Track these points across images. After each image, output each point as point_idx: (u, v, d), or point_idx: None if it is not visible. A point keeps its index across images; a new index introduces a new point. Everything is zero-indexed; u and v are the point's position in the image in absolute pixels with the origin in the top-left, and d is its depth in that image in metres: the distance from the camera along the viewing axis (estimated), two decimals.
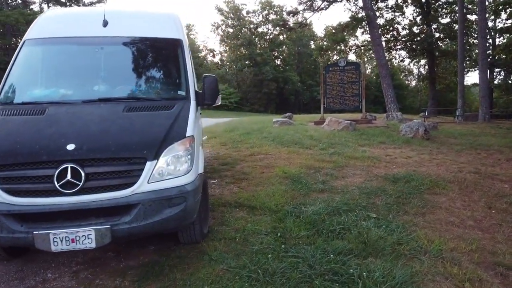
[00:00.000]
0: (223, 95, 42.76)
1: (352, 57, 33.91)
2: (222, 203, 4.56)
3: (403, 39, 30.04)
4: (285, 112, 23.07)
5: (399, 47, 30.87)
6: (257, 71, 49.11)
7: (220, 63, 61.44)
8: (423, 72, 41.94)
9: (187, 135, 3.07)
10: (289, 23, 25.79)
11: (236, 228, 3.78)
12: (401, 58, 34.37)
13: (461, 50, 20.10)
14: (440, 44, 30.61)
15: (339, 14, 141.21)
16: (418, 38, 29.27)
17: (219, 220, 4.04)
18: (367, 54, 33.09)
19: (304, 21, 25.31)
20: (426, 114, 22.04)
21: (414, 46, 29.76)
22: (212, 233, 3.68)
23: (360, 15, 20.75)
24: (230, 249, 3.32)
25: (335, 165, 6.54)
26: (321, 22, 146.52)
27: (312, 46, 55.02)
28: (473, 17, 29.34)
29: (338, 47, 23.50)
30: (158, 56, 4.08)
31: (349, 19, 19.80)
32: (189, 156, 3.02)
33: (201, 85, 3.72)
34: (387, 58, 24.05)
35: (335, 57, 32.13)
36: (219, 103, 3.99)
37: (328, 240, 3.43)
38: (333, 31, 23.03)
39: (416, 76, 57.02)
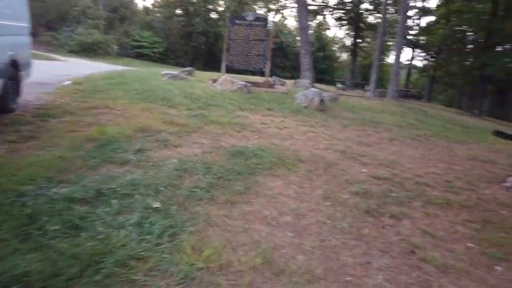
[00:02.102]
0: (146, 43, 39.12)
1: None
2: None
3: (333, 6, 29.30)
4: (213, 69, 21.33)
5: (326, 13, 30.16)
6: (187, 21, 45.58)
7: (151, 8, 56.18)
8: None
9: None
10: None
11: None
12: (327, 27, 33.83)
13: (383, 24, 19.80)
14: (367, 16, 30.46)
15: None
16: (347, 8, 28.72)
17: None
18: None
19: None
20: (340, 85, 21.81)
21: (341, 15, 29.24)
22: None
23: None
24: None
25: (182, 129, 5.31)
26: None
27: None
28: None
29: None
30: None
31: None
32: None
33: None
34: (312, 23, 23.07)
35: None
36: None
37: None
38: None
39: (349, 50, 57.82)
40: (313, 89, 10.80)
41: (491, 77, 20.51)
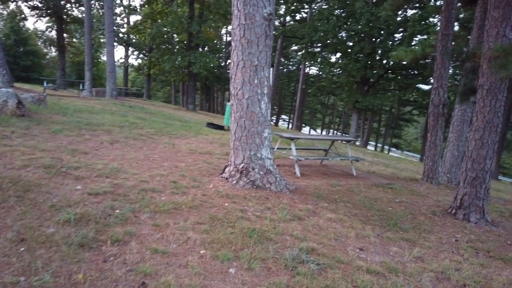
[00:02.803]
0: None
1: None
2: None
3: None
4: None
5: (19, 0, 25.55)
6: None
7: None
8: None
9: None
10: None
11: None
12: (23, 16, 28.96)
13: (88, 18, 18.39)
14: (71, 8, 27.89)
15: None
16: None
17: None
18: None
19: None
20: (49, 85, 19.02)
21: (38, 5, 25.49)
22: None
23: None
24: None
25: None
26: None
27: None
28: None
29: None
30: None
31: None
32: None
33: None
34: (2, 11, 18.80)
35: None
36: None
37: None
38: None
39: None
40: (4, 89, 8.51)
41: (198, 74, 23.25)
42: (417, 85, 24.09)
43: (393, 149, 39.91)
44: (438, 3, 18.92)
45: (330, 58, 26.23)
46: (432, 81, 7.97)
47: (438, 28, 7.29)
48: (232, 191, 4.62)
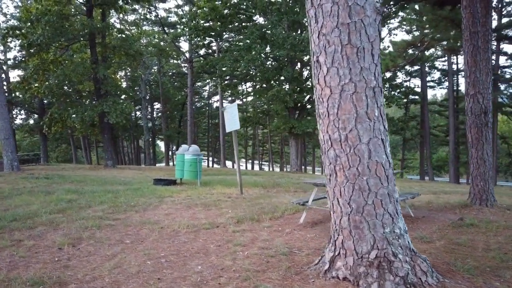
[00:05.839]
0: None
1: None
2: None
3: None
4: None
5: None
6: None
7: None
8: None
9: None
10: None
11: None
12: None
13: None
14: None
15: None
16: None
17: None
18: None
19: None
20: None
21: None
22: None
23: None
24: None
25: None
26: None
27: None
28: None
29: None
30: None
31: None
32: None
33: None
34: None
35: None
36: None
37: None
38: None
39: None
40: None
41: (114, 124, 19.95)
42: None
43: None
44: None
45: (256, 87, 25.35)
46: (464, 88, 6.97)
47: (462, 26, 6.32)
48: None
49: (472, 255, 4.01)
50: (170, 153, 44.38)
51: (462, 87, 34.28)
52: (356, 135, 2.97)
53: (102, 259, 4.05)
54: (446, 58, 29.41)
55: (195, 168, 11.38)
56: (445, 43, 21.71)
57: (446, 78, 31.18)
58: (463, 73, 33.34)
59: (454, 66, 28.99)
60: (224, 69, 22.44)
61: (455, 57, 27.96)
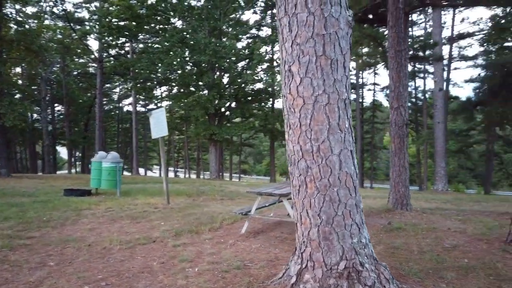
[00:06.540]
0: None
1: None
2: None
3: None
4: None
5: None
6: None
7: None
8: None
9: None
10: None
11: None
12: None
13: None
14: None
15: None
16: None
17: None
18: None
19: None
20: None
21: None
22: None
23: None
24: None
25: None
26: None
27: None
28: None
29: None
30: None
31: None
32: None
33: None
34: None
35: None
36: None
37: None
38: None
39: None
40: None
41: (11, 128, 17.45)
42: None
43: (243, 175, 40.85)
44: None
45: (173, 92, 24.54)
46: (388, 101, 7.57)
47: (387, 44, 6.91)
48: None
49: (411, 258, 4.31)
50: (73, 159, 40.48)
51: (367, 99, 37.80)
52: (328, 146, 2.97)
53: (26, 287, 3.43)
54: (355, 72, 32.16)
55: (114, 177, 10.49)
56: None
57: (354, 90, 34.10)
58: (367, 86, 36.91)
59: (360, 80, 31.87)
60: (140, 71, 21.29)
61: (361, 72, 30.75)
